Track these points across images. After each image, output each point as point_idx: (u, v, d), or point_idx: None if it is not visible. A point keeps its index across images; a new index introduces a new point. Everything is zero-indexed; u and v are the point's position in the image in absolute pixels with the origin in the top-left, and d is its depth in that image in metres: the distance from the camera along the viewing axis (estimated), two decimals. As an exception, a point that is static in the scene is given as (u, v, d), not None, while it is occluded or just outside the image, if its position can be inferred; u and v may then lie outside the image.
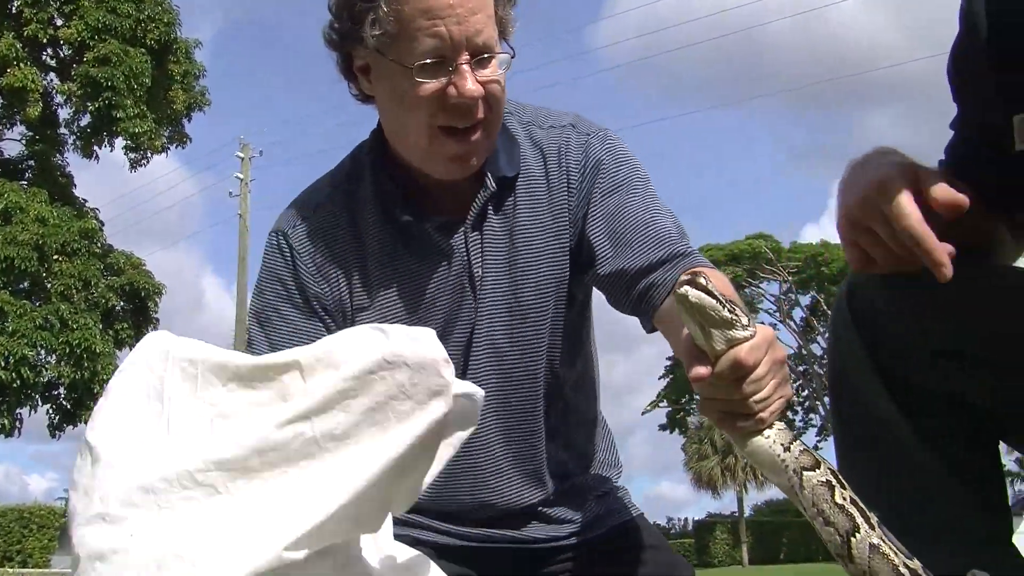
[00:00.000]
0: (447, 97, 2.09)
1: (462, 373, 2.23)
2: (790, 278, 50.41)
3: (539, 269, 2.27)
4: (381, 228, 2.27)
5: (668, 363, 53.62)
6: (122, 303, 22.81)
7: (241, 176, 34.57)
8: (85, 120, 22.44)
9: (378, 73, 2.18)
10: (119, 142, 22.49)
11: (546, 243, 2.27)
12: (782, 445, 1.66)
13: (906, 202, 1.55)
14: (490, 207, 2.26)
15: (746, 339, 1.63)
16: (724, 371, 1.61)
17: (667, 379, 54.43)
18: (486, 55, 2.12)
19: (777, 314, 51.39)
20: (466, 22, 2.06)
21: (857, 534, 1.59)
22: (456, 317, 2.24)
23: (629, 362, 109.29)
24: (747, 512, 53.85)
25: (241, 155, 34.91)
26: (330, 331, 2.23)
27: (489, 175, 2.24)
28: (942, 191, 1.59)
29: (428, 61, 2.07)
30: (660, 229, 2.19)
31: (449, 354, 2.24)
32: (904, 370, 1.80)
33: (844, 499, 1.61)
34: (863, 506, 1.61)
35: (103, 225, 23.21)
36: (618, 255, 2.19)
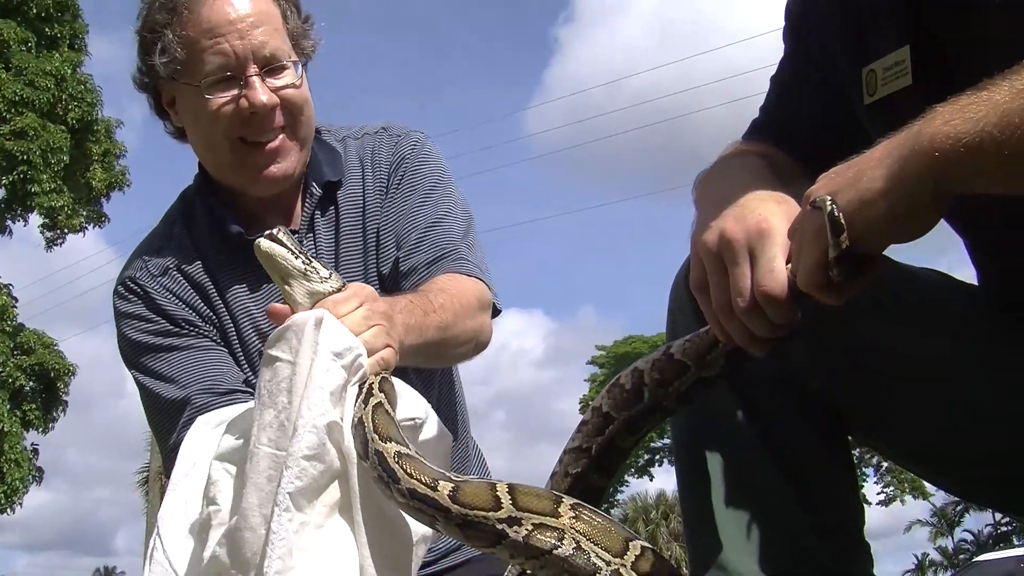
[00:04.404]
0: (240, 110, 2.17)
1: None
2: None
3: (367, 272, 2.32)
4: (222, 250, 2.32)
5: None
6: (32, 383, 22.20)
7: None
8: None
9: (180, 101, 2.26)
10: (35, 219, 22.16)
11: (369, 246, 2.33)
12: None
13: (778, 267, 1.43)
14: (318, 213, 2.33)
15: (328, 293, 1.70)
16: None
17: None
18: (276, 65, 2.20)
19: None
20: (248, 36, 2.16)
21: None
22: None
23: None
24: None
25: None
26: (217, 344, 2.27)
27: (314, 183, 2.31)
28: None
29: (216, 77, 2.16)
30: (442, 233, 2.27)
31: None
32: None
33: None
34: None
35: (16, 302, 22.66)
36: (400, 252, 2.27)
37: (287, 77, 2.22)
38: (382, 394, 1.63)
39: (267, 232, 1.69)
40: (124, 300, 2.30)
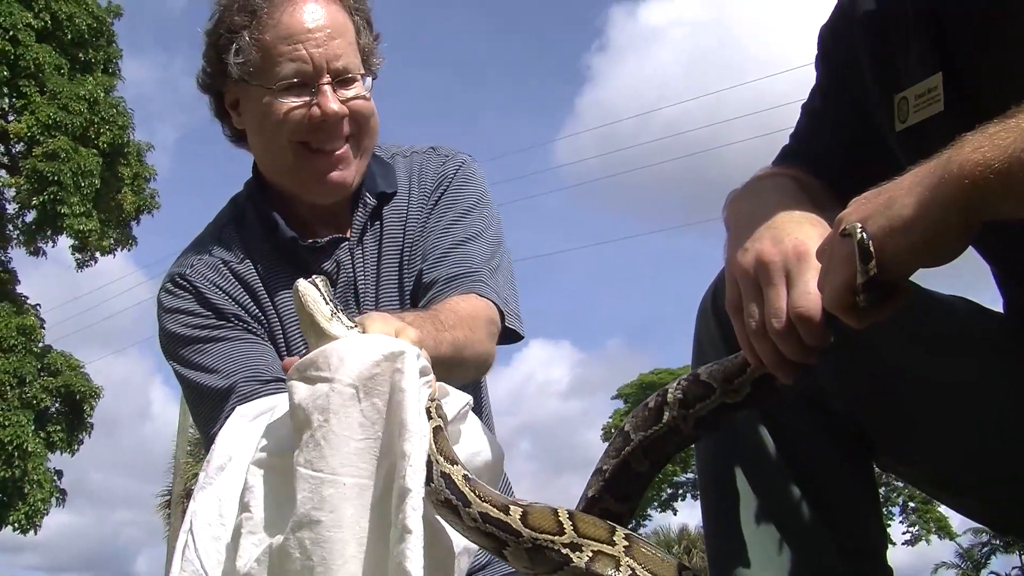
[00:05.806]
0: (311, 117, 2.22)
1: None
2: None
3: (403, 287, 2.35)
4: (273, 255, 2.35)
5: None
6: (57, 404, 22.31)
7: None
8: (30, 217, 22.24)
9: (245, 103, 2.32)
10: (65, 240, 22.31)
11: (404, 261, 2.36)
12: None
13: (814, 290, 1.43)
14: (368, 222, 2.37)
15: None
16: None
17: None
18: (348, 76, 2.26)
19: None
20: (326, 46, 2.22)
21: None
22: None
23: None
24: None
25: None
26: (262, 339, 2.29)
27: (367, 193, 2.36)
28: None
29: (290, 82, 2.21)
30: (467, 252, 2.31)
31: None
32: None
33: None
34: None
35: (43, 323, 22.81)
36: (423, 264, 2.31)
37: (356, 89, 2.28)
38: (440, 419, 1.60)
39: (309, 278, 1.71)
40: (171, 295, 2.32)
